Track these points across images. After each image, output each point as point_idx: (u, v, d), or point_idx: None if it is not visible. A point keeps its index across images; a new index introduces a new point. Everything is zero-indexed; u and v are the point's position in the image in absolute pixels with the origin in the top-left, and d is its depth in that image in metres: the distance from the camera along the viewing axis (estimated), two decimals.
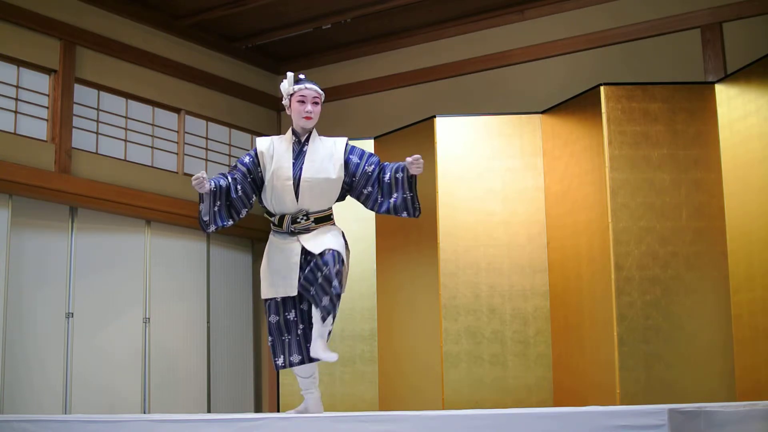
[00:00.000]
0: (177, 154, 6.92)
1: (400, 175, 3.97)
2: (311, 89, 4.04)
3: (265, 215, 4.10)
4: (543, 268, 5.76)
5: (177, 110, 6.97)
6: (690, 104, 5.42)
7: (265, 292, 3.98)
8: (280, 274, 3.93)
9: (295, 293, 3.90)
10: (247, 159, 4.04)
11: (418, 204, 4.00)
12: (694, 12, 6.12)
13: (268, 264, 3.99)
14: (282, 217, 3.99)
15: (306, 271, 3.86)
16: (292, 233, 3.96)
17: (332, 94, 7.51)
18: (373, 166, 4.03)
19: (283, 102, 4.13)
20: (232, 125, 7.45)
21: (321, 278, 3.78)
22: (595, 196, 5.40)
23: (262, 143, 4.07)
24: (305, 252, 3.91)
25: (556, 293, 5.69)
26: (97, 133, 6.34)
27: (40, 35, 6.00)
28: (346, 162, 4.02)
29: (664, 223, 5.30)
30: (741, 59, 5.57)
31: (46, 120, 5.99)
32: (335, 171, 3.98)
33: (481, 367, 5.64)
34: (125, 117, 6.55)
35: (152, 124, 6.76)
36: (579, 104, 5.60)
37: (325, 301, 3.76)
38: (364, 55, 7.43)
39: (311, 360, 3.95)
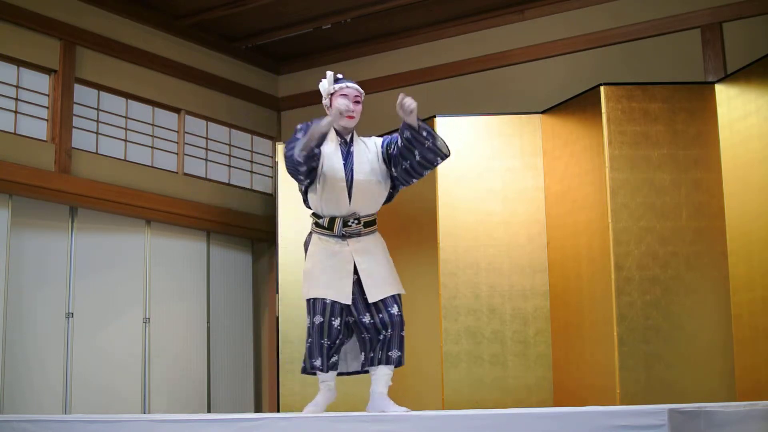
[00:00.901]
0: (177, 154, 6.92)
1: (407, 134, 3.79)
2: (352, 88, 3.94)
3: (312, 216, 3.99)
4: (543, 268, 5.76)
5: (177, 110, 6.97)
6: (690, 104, 5.42)
7: (312, 292, 3.84)
8: (333, 278, 3.82)
9: (348, 302, 3.81)
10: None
11: (441, 141, 3.82)
12: (694, 12, 6.12)
13: (315, 265, 3.86)
14: (332, 219, 3.89)
15: (368, 316, 3.81)
16: (343, 237, 3.87)
17: None
18: (392, 145, 3.94)
19: (323, 102, 4.01)
20: (232, 125, 7.45)
21: (385, 338, 3.80)
22: (595, 196, 5.40)
23: None
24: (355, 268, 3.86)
25: (556, 293, 5.69)
26: (97, 133, 6.34)
27: (40, 35, 6.00)
28: (385, 156, 3.95)
29: (664, 223, 5.30)
30: (741, 59, 5.57)
31: (46, 120, 5.99)
32: (382, 174, 3.92)
33: (481, 367, 5.64)
34: (125, 117, 6.55)
35: (152, 124, 6.76)
36: (579, 104, 5.61)
37: (377, 355, 3.79)
38: (364, 55, 7.43)
39: (329, 369, 3.88)
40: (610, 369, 5.16)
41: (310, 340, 3.84)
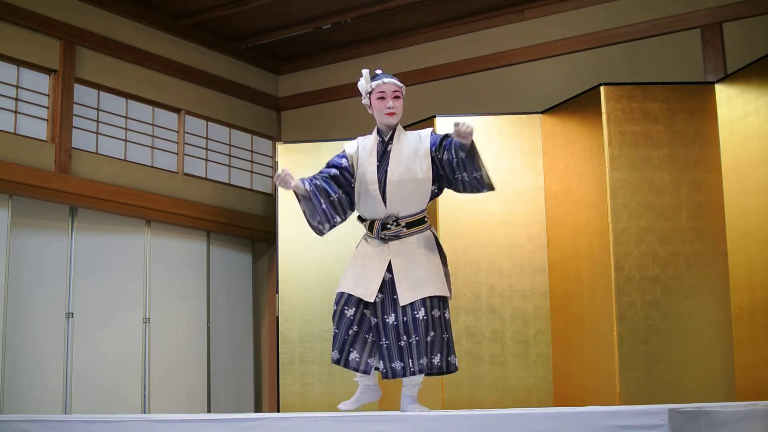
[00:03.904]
0: (177, 154, 6.92)
1: (461, 154, 3.65)
2: (390, 83, 3.77)
3: (357, 220, 3.88)
4: (543, 268, 5.76)
5: (177, 110, 6.97)
6: (690, 104, 5.42)
7: (341, 286, 3.74)
8: (362, 276, 3.70)
9: (371, 300, 3.66)
10: (344, 162, 3.82)
11: (488, 175, 3.68)
12: (694, 12, 6.12)
13: (351, 264, 3.78)
14: (372, 222, 3.76)
15: (393, 317, 3.63)
16: (383, 240, 3.73)
17: (332, 94, 7.53)
18: (442, 150, 3.73)
19: (363, 102, 3.87)
20: (232, 125, 7.45)
21: (405, 343, 3.58)
22: (595, 196, 5.40)
23: (350, 147, 3.86)
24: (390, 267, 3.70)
25: (556, 293, 5.69)
26: (97, 133, 6.34)
27: (40, 35, 6.00)
28: (433, 157, 3.75)
29: (664, 223, 5.30)
30: (741, 59, 5.57)
31: (46, 120, 5.99)
32: (422, 170, 3.73)
33: (481, 367, 5.64)
34: (125, 117, 6.55)
35: (152, 124, 6.76)
36: (579, 104, 5.61)
37: (397, 365, 3.60)
38: (364, 55, 7.43)
39: (347, 365, 3.69)
40: (610, 369, 5.15)
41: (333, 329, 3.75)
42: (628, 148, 5.34)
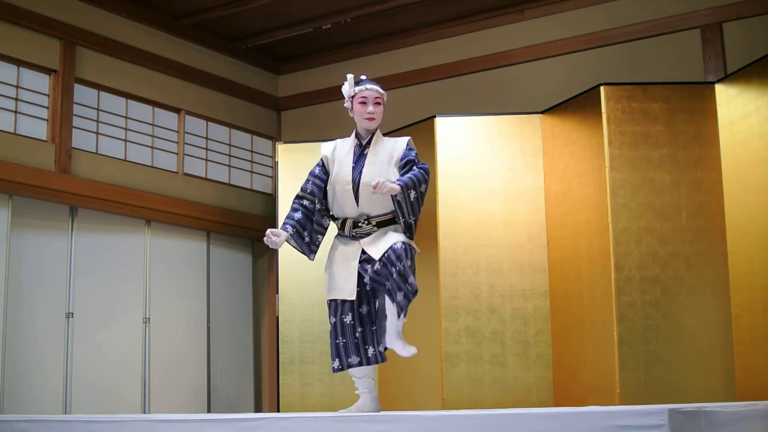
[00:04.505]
0: (177, 154, 6.92)
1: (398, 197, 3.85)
2: (372, 90, 3.95)
3: (329, 218, 4.04)
4: (543, 268, 5.76)
5: (177, 110, 6.97)
6: (690, 104, 5.42)
7: (328, 294, 3.95)
8: (340, 278, 3.89)
9: (353, 298, 3.85)
10: (317, 170, 4.01)
11: (411, 231, 3.91)
12: (694, 12, 6.12)
13: (330, 265, 3.95)
14: (344, 221, 3.94)
15: (377, 265, 3.77)
16: (354, 237, 3.91)
17: (332, 94, 7.51)
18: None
19: (345, 105, 4.05)
20: (232, 125, 7.45)
21: (395, 273, 3.71)
22: (595, 196, 5.40)
23: (326, 148, 4.04)
24: (365, 253, 3.85)
25: (556, 293, 5.69)
26: (97, 133, 6.34)
27: (40, 35, 6.00)
28: (402, 165, 3.93)
29: (664, 223, 5.30)
30: (741, 59, 5.57)
31: (46, 120, 5.99)
32: (394, 174, 3.90)
33: (481, 367, 5.64)
34: (125, 117, 6.55)
35: (152, 124, 6.76)
36: (579, 104, 5.61)
37: (400, 296, 3.73)
38: (364, 55, 7.43)
39: (369, 362, 3.89)
40: (610, 369, 5.16)
41: (331, 341, 3.93)
42: (628, 148, 5.34)
